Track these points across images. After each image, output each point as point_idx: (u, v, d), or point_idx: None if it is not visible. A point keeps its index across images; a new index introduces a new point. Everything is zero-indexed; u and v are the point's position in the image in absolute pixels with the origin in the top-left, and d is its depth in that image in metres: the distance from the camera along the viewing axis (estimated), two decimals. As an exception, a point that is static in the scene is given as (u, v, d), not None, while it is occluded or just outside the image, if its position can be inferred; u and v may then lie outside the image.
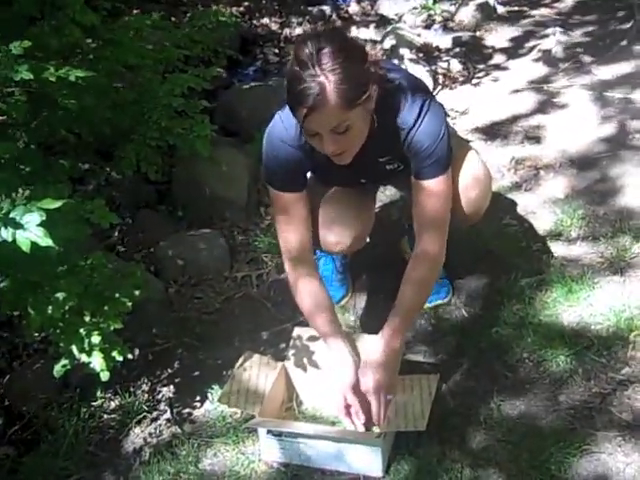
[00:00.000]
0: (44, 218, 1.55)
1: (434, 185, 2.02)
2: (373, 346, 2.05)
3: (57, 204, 1.60)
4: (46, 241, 1.55)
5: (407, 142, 1.98)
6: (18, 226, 1.54)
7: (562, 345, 2.28)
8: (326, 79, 1.73)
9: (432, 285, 2.15)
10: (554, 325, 2.36)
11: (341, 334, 2.10)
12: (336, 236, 2.27)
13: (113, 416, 2.24)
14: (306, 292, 2.12)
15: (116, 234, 2.96)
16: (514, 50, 4.33)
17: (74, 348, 1.91)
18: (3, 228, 1.53)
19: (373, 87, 1.83)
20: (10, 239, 1.52)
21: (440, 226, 2.07)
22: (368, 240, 2.47)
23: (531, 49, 4.25)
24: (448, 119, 2.40)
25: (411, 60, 4.03)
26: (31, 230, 1.54)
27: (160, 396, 2.31)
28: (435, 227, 2.06)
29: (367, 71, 1.81)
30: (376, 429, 1.99)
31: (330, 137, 1.83)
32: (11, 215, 1.55)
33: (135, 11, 4.19)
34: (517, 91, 3.83)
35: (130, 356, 2.00)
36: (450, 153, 2.01)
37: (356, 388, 2.01)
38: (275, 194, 2.11)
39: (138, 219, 3.03)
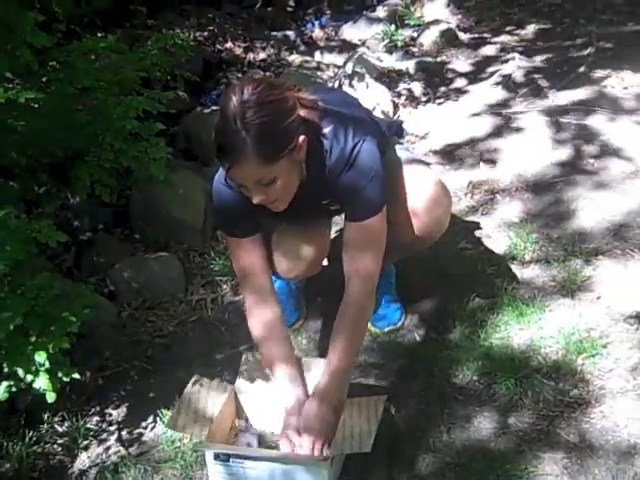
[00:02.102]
0: None
1: (365, 227, 2.01)
2: (315, 392, 2.02)
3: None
4: None
5: (338, 186, 2.00)
6: None
7: (512, 368, 2.29)
8: (247, 135, 1.74)
9: (371, 308, 2.14)
10: (505, 348, 2.38)
11: (286, 364, 2.06)
12: (290, 264, 2.28)
13: (60, 441, 2.21)
14: (259, 320, 2.11)
15: (71, 256, 2.93)
16: (475, 75, 4.39)
17: (19, 369, 1.89)
18: None
19: (300, 138, 1.85)
20: None
21: (377, 251, 2.05)
22: (326, 263, 2.49)
23: (491, 74, 4.30)
24: (407, 143, 2.44)
25: (373, 84, 4.07)
26: None
27: (109, 420, 2.30)
28: (371, 252, 2.04)
29: (292, 124, 1.82)
30: (325, 452, 1.98)
31: (256, 189, 1.85)
32: None
33: (99, 34, 4.20)
34: (476, 115, 3.88)
35: (79, 376, 1.97)
36: (383, 194, 2.01)
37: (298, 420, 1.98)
38: (232, 242, 2.13)
39: (94, 242, 3.01)
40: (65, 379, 1.94)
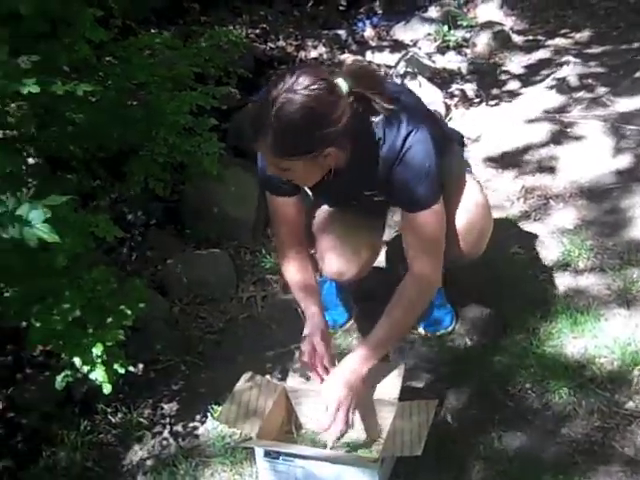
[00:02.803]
0: (49, 215, 1.56)
1: (421, 218, 2.01)
2: (350, 357, 2.05)
3: (61, 200, 1.62)
4: (52, 237, 1.57)
5: (388, 177, 1.99)
6: (24, 223, 1.55)
7: (565, 377, 2.26)
8: (272, 125, 1.75)
9: (420, 309, 2.14)
10: (558, 356, 2.35)
11: (317, 307, 2.15)
12: (341, 266, 2.30)
13: (113, 432, 2.25)
14: (294, 270, 2.19)
15: (124, 251, 2.97)
16: (528, 78, 4.35)
17: (76, 360, 1.92)
18: (10, 226, 1.54)
19: (328, 149, 1.83)
20: (17, 236, 1.53)
21: (432, 252, 2.06)
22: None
23: (545, 77, 4.25)
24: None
25: (425, 84, 4.04)
26: (37, 226, 1.55)
27: (161, 413, 2.32)
28: (427, 253, 2.05)
29: (323, 136, 1.79)
30: (374, 454, 1.98)
31: (270, 166, 1.89)
32: (17, 212, 1.56)
33: (153, 30, 4.24)
34: (530, 120, 3.82)
35: (133, 369, 2.01)
36: (436, 188, 2.00)
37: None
38: (269, 196, 2.18)
39: (147, 236, 3.04)
40: (120, 371, 1.96)
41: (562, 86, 4.07)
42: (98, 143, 2.60)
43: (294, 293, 2.22)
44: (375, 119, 1.94)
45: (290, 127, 1.76)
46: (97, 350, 1.90)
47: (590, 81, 4.09)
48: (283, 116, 1.75)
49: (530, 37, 4.84)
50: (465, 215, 2.21)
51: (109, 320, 1.98)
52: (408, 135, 1.94)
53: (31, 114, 2.22)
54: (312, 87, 1.76)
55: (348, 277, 2.36)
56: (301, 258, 2.21)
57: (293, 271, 2.20)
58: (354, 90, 1.87)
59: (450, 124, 3.55)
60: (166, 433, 2.26)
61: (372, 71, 2.04)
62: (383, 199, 2.14)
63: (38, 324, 1.92)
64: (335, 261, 2.28)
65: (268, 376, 2.30)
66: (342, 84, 1.85)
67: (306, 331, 2.10)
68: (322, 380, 2.06)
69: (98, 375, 1.92)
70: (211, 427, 2.25)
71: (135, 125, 2.64)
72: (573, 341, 2.40)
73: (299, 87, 1.76)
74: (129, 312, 2.02)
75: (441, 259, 2.08)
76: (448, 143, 2.23)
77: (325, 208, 2.34)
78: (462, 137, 2.49)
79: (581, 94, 3.96)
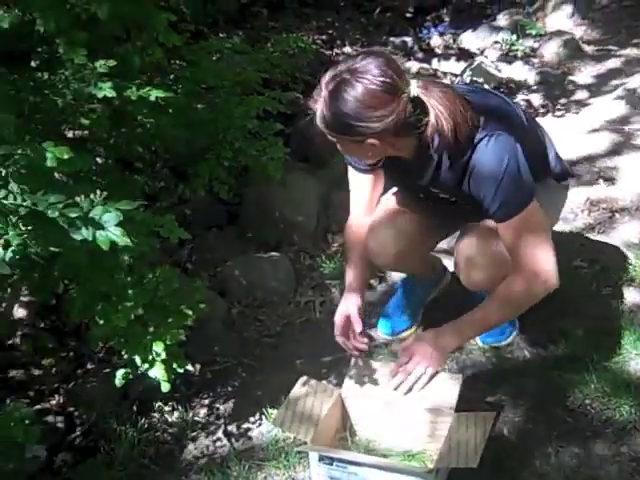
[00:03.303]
0: (122, 218, 1.60)
1: (509, 226, 1.98)
2: (439, 329, 2.13)
3: (134, 205, 1.66)
4: (124, 240, 1.60)
5: (464, 183, 1.98)
6: (97, 225, 1.59)
7: (627, 394, 2.21)
8: (323, 97, 1.83)
9: (520, 305, 2.09)
10: (620, 373, 2.30)
11: (357, 281, 2.25)
12: (379, 247, 2.28)
13: (170, 430, 2.28)
14: (351, 238, 2.31)
15: (185, 251, 3.01)
16: (597, 88, 4.28)
17: (137, 357, 1.96)
18: (84, 228, 1.57)
19: (370, 140, 1.86)
20: (90, 238, 1.57)
21: (536, 246, 1.99)
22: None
23: (615, 88, 4.18)
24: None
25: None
26: (110, 229, 1.59)
27: (217, 414, 2.34)
28: (529, 249, 1.99)
29: (364, 127, 1.82)
30: (429, 464, 1.97)
31: (324, 134, 1.93)
32: (90, 215, 1.60)
33: (222, 35, 4.30)
34: (596, 130, 3.77)
35: (191, 368, 2.03)
36: (523, 190, 1.95)
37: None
38: (349, 169, 2.27)
39: (207, 238, 3.08)
40: (179, 370, 1.99)
41: (631, 97, 3.99)
42: (165, 146, 2.65)
43: (345, 260, 2.35)
44: (445, 130, 1.89)
45: (336, 108, 1.82)
46: (157, 348, 1.94)
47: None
48: (334, 95, 1.81)
49: (601, 47, 4.75)
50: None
51: (170, 320, 2.01)
52: (478, 143, 1.92)
53: (104, 116, 2.26)
54: (372, 80, 1.80)
55: (383, 262, 2.36)
56: (362, 231, 2.29)
57: (350, 239, 2.31)
58: (422, 97, 1.86)
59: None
60: (220, 434, 2.28)
61: (453, 88, 2.02)
62: (448, 197, 2.12)
63: (101, 321, 1.97)
64: (374, 242, 2.28)
65: (324, 381, 2.30)
66: (413, 87, 1.86)
67: (340, 306, 2.21)
68: (358, 353, 2.16)
69: (157, 373, 1.96)
70: (265, 430, 2.26)
71: (203, 128, 2.69)
72: (636, 358, 2.34)
73: (361, 74, 1.80)
74: (190, 312, 2.05)
75: (551, 253, 2.01)
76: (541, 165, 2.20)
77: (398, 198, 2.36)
78: (566, 172, 2.36)
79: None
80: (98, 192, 1.61)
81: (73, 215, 1.54)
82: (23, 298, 2.65)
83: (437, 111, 1.86)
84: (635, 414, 2.15)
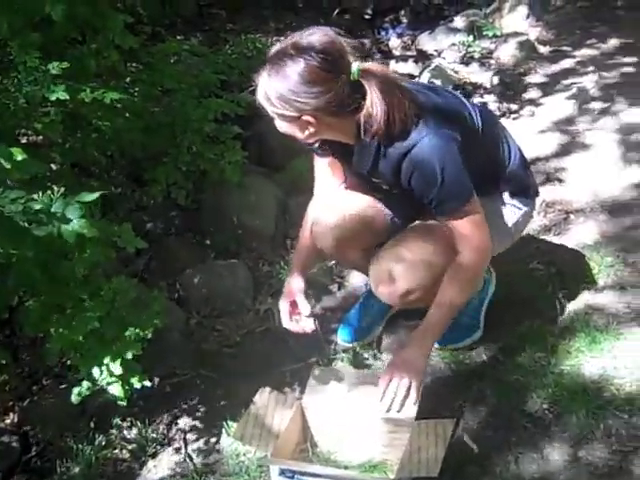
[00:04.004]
0: (84, 212, 1.58)
1: (449, 219, 2.05)
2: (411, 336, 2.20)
3: (94, 196, 1.66)
4: (92, 231, 1.59)
5: (402, 177, 2.01)
6: (62, 219, 1.57)
7: (584, 398, 2.23)
8: (265, 69, 1.89)
9: (470, 278, 2.15)
10: (576, 376, 2.31)
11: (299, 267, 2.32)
12: (322, 231, 2.29)
13: (128, 447, 2.25)
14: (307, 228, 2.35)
15: (143, 260, 2.97)
16: (550, 89, 4.32)
17: (93, 372, 1.93)
18: (49, 224, 1.56)
19: (306, 117, 1.90)
20: (56, 233, 1.55)
21: (471, 245, 2.08)
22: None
23: (568, 88, 4.22)
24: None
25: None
26: (75, 223, 1.57)
27: (176, 428, 2.32)
28: (464, 246, 2.08)
29: (297, 102, 1.87)
30: (390, 474, 1.97)
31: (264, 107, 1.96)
32: (52, 210, 1.58)
33: (179, 37, 4.27)
34: (548, 131, 3.82)
35: (148, 384, 2.00)
36: (461, 188, 2.00)
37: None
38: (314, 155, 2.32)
39: (166, 245, 3.04)
40: (137, 385, 1.97)
41: (584, 97, 4.05)
42: (121, 150, 2.62)
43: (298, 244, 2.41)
44: (377, 115, 1.92)
45: (276, 81, 1.87)
46: (115, 364, 1.91)
47: (611, 92, 4.06)
48: (275, 69, 1.86)
49: (555, 48, 4.80)
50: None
51: (128, 332, 1.99)
52: (417, 139, 1.94)
53: (58, 119, 2.23)
54: (314, 56, 1.83)
55: (324, 245, 2.32)
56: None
57: (305, 220, 2.37)
58: (362, 81, 1.90)
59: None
60: (181, 450, 2.26)
61: (397, 79, 2.04)
62: (389, 188, 2.16)
63: (57, 334, 1.94)
64: (317, 227, 2.30)
65: (285, 390, 2.29)
66: (354, 68, 1.90)
67: (284, 291, 2.28)
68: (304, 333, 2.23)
69: (114, 389, 1.94)
70: (226, 444, 2.25)
71: (159, 131, 2.67)
72: (591, 360, 2.36)
73: (304, 50, 1.84)
74: (148, 324, 2.03)
75: (487, 233, 2.09)
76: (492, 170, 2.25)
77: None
78: (525, 187, 2.38)
79: (601, 106, 3.93)
80: (55, 188, 1.59)
81: (37, 207, 1.52)
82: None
83: (373, 96, 1.90)
84: (592, 418, 2.17)
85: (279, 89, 1.87)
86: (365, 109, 1.92)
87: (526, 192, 2.37)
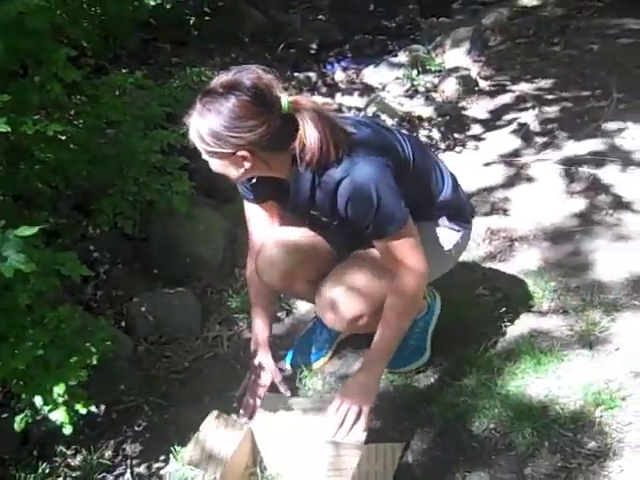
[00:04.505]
0: (21, 247, 1.57)
1: (385, 243, 2.09)
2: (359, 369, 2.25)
3: (33, 230, 1.64)
4: (30, 266, 1.58)
5: (338, 207, 2.05)
6: None
7: (529, 417, 2.27)
8: (196, 110, 1.92)
9: (411, 302, 2.19)
10: (522, 397, 2.36)
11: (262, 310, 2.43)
12: (267, 267, 2.32)
13: (73, 474, 2.20)
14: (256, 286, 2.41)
15: (89, 289, 2.94)
16: (493, 123, 4.44)
17: (37, 400, 1.90)
18: None
19: (241, 153, 1.94)
20: None
21: (409, 258, 2.12)
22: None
23: (509, 122, 4.36)
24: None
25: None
26: (13, 258, 1.55)
27: (123, 455, 2.29)
28: (403, 262, 2.12)
29: (236, 139, 1.90)
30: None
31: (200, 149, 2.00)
32: None
33: (124, 70, 4.27)
34: (492, 163, 3.92)
35: (95, 409, 1.98)
36: (396, 212, 2.04)
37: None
38: (244, 201, 2.36)
39: (113, 274, 3.01)
40: (82, 412, 1.94)
41: (525, 131, 4.17)
42: (66, 181, 2.61)
43: (250, 301, 2.46)
44: (311, 144, 1.97)
45: (208, 120, 1.90)
46: (59, 390, 1.88)
47: (551, 126, 4.19)
48: (207, 108, 1.90)
49: (496, 82, 4.94)
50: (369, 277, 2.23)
51: (72, 359, 1.96)
52: (348, 168, 1.99)
53: (0, 152, 2.21)
54: (244, 92, 1.88)
55: (269, 279, 2.35)
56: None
57: (251, 283, 2.43)
58: (293, 113, 1.94)
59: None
60: (127, 475, 2.22)
61: (326, 109, 2.10)
62: (328, 220, 2.18)
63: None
64: (263, 259, 2.32)
65: (234, 416, 2.28)
66: (284, 101, 1.94)
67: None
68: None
69: (59, 416, 1.90)
70: (174, 469, 2.19)
71: (105, 163, 2.66)
72: (537, 381, 2.41)
73: (233, 87, 1.89)
74: (94, 351, 2.01)
75: (422, 255, 2.13)
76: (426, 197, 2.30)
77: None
78: (461, 210, 2.44)
79: (542, 139, 4.06)
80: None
81: None
82: None
83: (306, 126, 1.95)
84: (537, 437, 2.21)
85: (212, 126, 1.90)
86: (299, 139, 1.97)
87: (463, 214, 2.44)
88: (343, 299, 2.20)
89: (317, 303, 2.28)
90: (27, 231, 1.62)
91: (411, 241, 2.11)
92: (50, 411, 1.90)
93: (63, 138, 2.52)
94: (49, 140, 2.33)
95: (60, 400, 1.89)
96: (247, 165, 1.98)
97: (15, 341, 1.93)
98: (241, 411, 2.32)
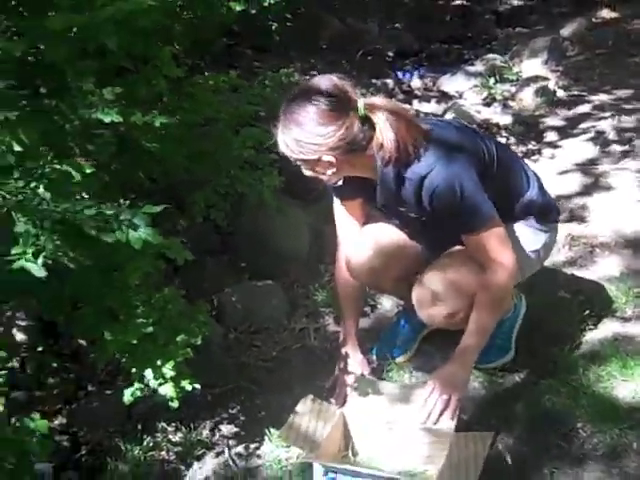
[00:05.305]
0: (148, 221, 1.69)
1: (472, 240, 2.16)
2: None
3: (157, 208, 1.78)
4: (157, 239, 1.69)
5: (424, 202, 2.11)
6: (131, 225, 1.66)
7: (616, 418, 2.29)
8: (282, 124, 2.06)
9: (501, 298, 2.26)
10: (608, 398, 2.38)
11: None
12: (357, 262, 2.40)
13: (174, 449, 2.31)
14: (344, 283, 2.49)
15: (179, 279, 3.05)
16: (570, 131, 4.43)
17: (147, 374, 2.00)
18: (117, 230, 1.65)
19: (325, 158, 2.04)
20: (123, 239, 1.63)
21: (496, 264, 2.17)
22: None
23: (586, 132, 4.34)
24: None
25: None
26: (142, 230, 1.67)
27: (220, 435, 2.38)
28: (489, 267, 2.18)
29: (314, 144, 2.02)
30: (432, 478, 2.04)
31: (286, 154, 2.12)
32: (121, 217, 1.67)
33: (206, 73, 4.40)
34: (569, 171, 3.92)
35: (198, 386, 2.07)
36: (482, 206, 2.11)
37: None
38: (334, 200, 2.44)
39: (202, 267, 3.10)
40: (187, 388, 2.03)
41: (602, 141, 4.16)
42: (166, 172, 2.72)
43: (338, 297, 2.53)
44: (387, 143, 2.05)
45: (292, 130, 2.03)
46: (168, 365, 1.98)
47: (629, 135, 4.17)
48: (289, 118, 2.03)
49: (574, 92, 4.93)
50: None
51: (178, 338, 2.06)
52: (434, 162, 2.07)
53: (111, 142, 2.33)
54: (322, 100, 1.99)
55: (357, 274, 2.44)
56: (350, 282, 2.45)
57: (342, 271, 2.46)
58: (369, 115, 2.03)
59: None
60: (225, 454, 2.31)
61: (401, 108, 2.18)
62: (417, 216, 2.24)
63: (112, 338, 2.01)
64: (352, 257, 2.41)
65: (327, 402, 2.35)
66: (360, 104, 2.03)
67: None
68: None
69: (167, 390, 2.00)
70: (268, 450, 2.30)
71: (202, 158, 2.76)
72: (623, 384, 2.43)
73: (312, 96, 2.00)
74: (197, 331, 2.10)
75: (511, 248, 2.18)
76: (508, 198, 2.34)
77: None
78: (547, 211, 2.49)
79: (619, 149, 4.04)
80: (121, 200, 1.68)
81: (109, 213, 1.60)
82: (21, 322, 2.68)
83: (381, 126, 2.03)
84: (624, 437, 2.23)
85: (295, 136, 2.03)
86: (375, 139, 2.06)
87: (550, 214, 2.49)
88: (441, 295, 2.26)
89: (414, 297, 2.33)
90: (151, 209, 1.73)
91: (500, 237, 2.16)
92: (159, 385, 1.99)
93: (164, 132, 2.62)
94: (155, 132, 2.44)
95: (168, 375, 1.99)
96: (333, 168, 2.09)
97: (126, 318, 2.04)
98: (332, 400, 2.39)
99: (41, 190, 1.68)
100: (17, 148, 1.76)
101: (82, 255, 1.76)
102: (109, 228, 1.68)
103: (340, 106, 2.01)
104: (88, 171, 1.88)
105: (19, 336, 2.63)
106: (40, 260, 1.58)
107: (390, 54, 5.59)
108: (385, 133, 2.04)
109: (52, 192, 1.67)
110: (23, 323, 2.67)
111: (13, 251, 1.60)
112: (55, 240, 1.60)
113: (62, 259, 1.64)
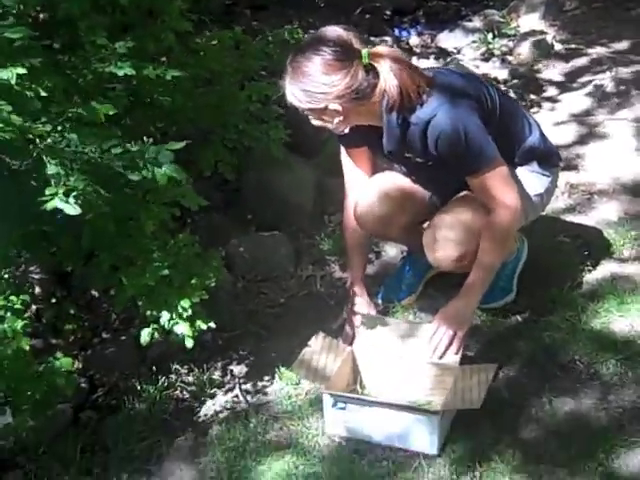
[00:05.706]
0: (172, 158, 1.76)
1: (477, 181, 2.22)
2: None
3: (181, 144, 1.85)
4: (181, 175, 1.77)
5: (429, 147, 2.18)
6: (156, 163, 1.74)
7: (613, 350, 2.38)
8: (289, 76, 2.11)
9: (506, 235, 2.32)
10: (605, 332, 2.47)
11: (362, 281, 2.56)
12: (366, 207, 2.47)
13: (188, 388, 2.41)
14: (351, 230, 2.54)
15: (188, 231, 3.11)
16: (568, 85, 4.45)
17: (164, 314, 2.08)
18: (143, 168, 1.74)
19: (331, 106, 2.09)
20: (149, 177, 1.71)
21: (502, 195, 2.23)
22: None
23: (585, 85, 4.37)
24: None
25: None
26: (166, 167, 1.76)
27: (231, 375, 2.49)
28: (498, 198, 2.23)
29: (321, 93, 2.07)
30: (437, 406, 2.13)
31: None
32: (146, 155, 1.76)
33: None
34: (567, 122, 3.97)
35: (214, 325, 2.16)
36: (486, 147, 2.17)
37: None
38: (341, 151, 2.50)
39: (209, 218, 3.18)
40: (202, 327, 2.11)
41: (600, 93, 4.20)
42: (176, 125, 2.78)
43: (346, 244, 2.58)
44: (391, 90, 2.10)
45: (298, 80, 2.09)
46: (184, 304, 2.06)
47: (626, 87, 4.20)
48: (296, 70, 2.09)
49: (571, 46, 4.96)
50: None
51: (193, 280, 2.14)
52: (441, 105, 2.13)
53: (123, 96, 2.38)
54: (326, 50, 2.05)
55: (366, 221, 2.50)
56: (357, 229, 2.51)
57: (349, 218, 2.52)
58: (373, 63, 2.08)
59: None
60: (237, 391, 2.41)
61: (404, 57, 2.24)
62: (423, 161, 2.29)
63: (129, 282, 2.09)
64: (362, 201, 2.47)
65: (337, 339, 2.44)
66: (364, 53, 2.08)
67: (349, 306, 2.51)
68: None
69: (183, 329, 2.08)
70: (278, 387, 2.40)
71: (208, 111, 2.82)
72: (620, 319, 2.51)
73: (317, 47, 2.07)
74: (211, 274, 2.19)
75: (515, 189, 2.25)
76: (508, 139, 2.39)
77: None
78: (549, 156, 2.56)
79: (617, 100, 4.09)
80: (145, 139, 1.75)
81: (134, 149, 1.68)
82: (35, 276, 2.76)
83: (384, 73, 2.09)
84: (620, 368, 2.32)
85: (302, 86, 2.09)
86: (379, 87, 2.12)
87: (551, 158, 2.56)
88: (452, 237, 2.33)
89: (424, 242, 2.40)
90: (174, 146, 1.81)
91: (504, 177, 2.23)
92: (175, 324, 2.07)
93: (173, 85, 2.67)
94: (165, 86, 2.49)
95: (184, 315, 2.07)
96: (340, 116, 2.15)
97: (142, 263, 2.12)
98: (340, 339, 2.48)
99: (69, 133, 1.75)
100: (43, 94, 1.82)
101: (109, 193, 1.83)
102: (135, 166, 1.74)
103: (344, 56, 2.06)
104: (111, 112, 1.94)
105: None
106: (72, 199, 1.65)
107: (388, 12, 5.60)
108: (389, 80, 2.10)
109: (79, 134, 1.74)
110: (37, 277, 2.75)
111: (47, 192, 1.66)
112: (84, 180, 1.67)
113: (92, 197, 1.70)
